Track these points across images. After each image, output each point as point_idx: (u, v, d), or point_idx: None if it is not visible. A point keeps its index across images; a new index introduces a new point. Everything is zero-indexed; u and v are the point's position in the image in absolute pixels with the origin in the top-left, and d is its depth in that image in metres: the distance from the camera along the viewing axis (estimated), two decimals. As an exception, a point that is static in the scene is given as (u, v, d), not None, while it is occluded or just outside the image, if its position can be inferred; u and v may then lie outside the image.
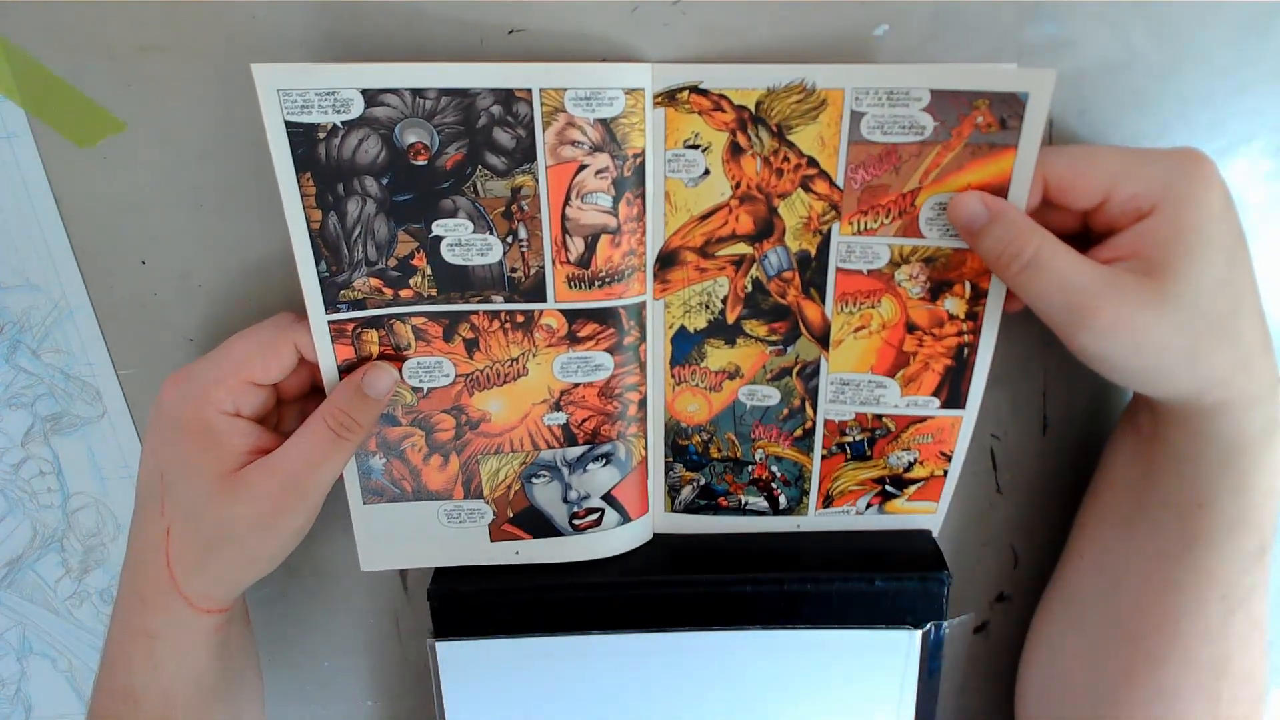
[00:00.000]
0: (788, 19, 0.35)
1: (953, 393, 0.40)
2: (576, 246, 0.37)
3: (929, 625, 0.42)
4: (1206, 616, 0.35)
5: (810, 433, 0.42)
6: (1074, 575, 0.41)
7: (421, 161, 0.35)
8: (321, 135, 0.34)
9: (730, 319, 0.40)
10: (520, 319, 0.38)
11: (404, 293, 0.37)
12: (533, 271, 0.37)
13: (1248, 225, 0.39)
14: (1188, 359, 0.32)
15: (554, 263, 0.37)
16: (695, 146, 0.36)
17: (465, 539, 0.42)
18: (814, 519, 0.44)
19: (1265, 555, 0.35)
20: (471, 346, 0.39)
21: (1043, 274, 0.32)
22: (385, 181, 0.35)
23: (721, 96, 0.35)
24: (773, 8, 0.35)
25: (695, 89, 0.35)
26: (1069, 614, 0.41)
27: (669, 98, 0.36)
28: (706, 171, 0.37)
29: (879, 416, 0.41)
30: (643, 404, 0.41)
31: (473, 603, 0.42)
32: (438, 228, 0.36)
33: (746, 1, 0.35)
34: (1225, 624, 0.35)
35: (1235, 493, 0.34)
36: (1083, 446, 0.43)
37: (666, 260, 0.39)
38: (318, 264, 0.36)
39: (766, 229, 0.38)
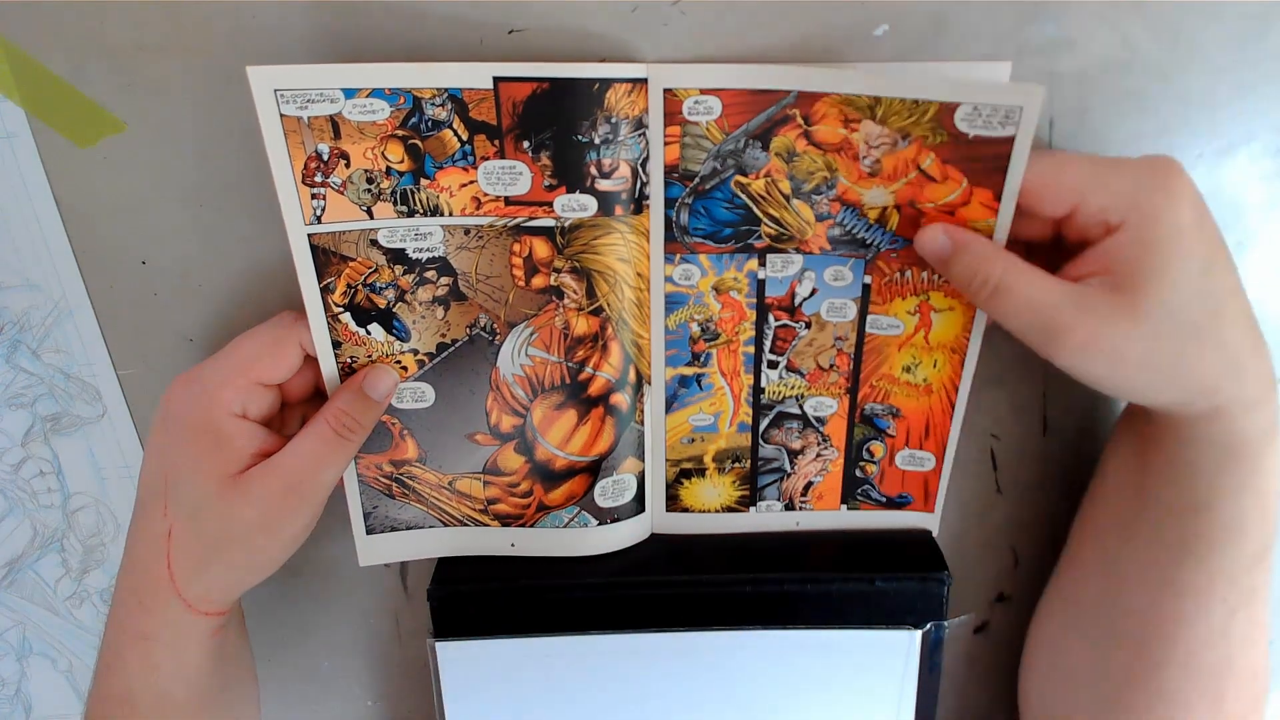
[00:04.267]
0: (787, 19, 0.35)
1: None
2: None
3: (929, 625, 0.42)
4: (1208, 619, 0.35)
5: None
6: (1074, 577, 0.41)
7: None
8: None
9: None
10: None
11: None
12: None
13: (1247, 225, 0.39)
14: (1168, 370, 0.32)
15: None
16: None
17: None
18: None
19: (1266, 557, 0.35)
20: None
21: (1010, 297, 0.33)
22: None
23: None
24: (773, 7, 0.35)
25: None
26: (1070, 616, 0.41)
27: None
28: None
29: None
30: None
31: (473, 603, 0.42)
32: None
33: (746, 1, 0.35)
34: (1227, 626, 0.35)
35: (1233, 496, 0.34)
36: (1083, 446, 0.43)
37: None
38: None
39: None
